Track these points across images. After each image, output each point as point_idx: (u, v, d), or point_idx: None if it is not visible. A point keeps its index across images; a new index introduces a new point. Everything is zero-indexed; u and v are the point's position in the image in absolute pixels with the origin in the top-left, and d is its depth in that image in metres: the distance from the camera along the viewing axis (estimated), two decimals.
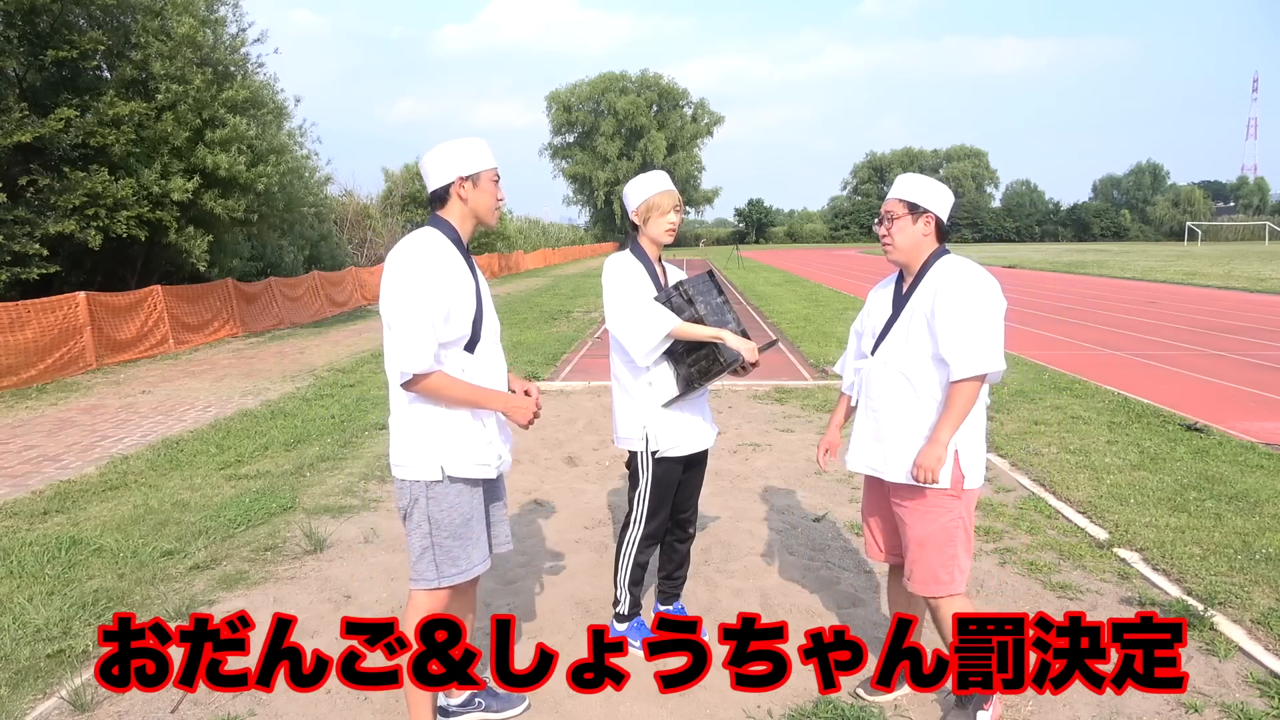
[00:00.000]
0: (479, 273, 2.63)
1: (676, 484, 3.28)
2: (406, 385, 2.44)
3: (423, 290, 2.38)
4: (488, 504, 2.70)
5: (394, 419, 2.56)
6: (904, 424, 2.70)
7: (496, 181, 2.60)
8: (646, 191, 3.16)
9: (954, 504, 2.66)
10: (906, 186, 2.73)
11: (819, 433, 6.98)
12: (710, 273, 3.23)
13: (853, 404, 2.96)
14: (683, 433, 3.19)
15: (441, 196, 2.55)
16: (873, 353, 2.81)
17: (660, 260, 3.28)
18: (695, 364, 3.07)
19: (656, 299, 3.11)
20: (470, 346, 2.53)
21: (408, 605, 2.61)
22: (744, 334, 3.09)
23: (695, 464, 3.33)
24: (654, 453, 3.19)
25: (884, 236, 2.75)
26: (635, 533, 3.29)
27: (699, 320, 3.05)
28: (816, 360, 10.83)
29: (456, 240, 2.55)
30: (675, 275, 3.28)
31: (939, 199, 2.70)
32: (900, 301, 2.75)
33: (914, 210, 2.68)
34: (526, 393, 2.68)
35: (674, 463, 3.22)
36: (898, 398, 2.71)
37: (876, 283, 3.00)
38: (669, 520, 3.41)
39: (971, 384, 2.57)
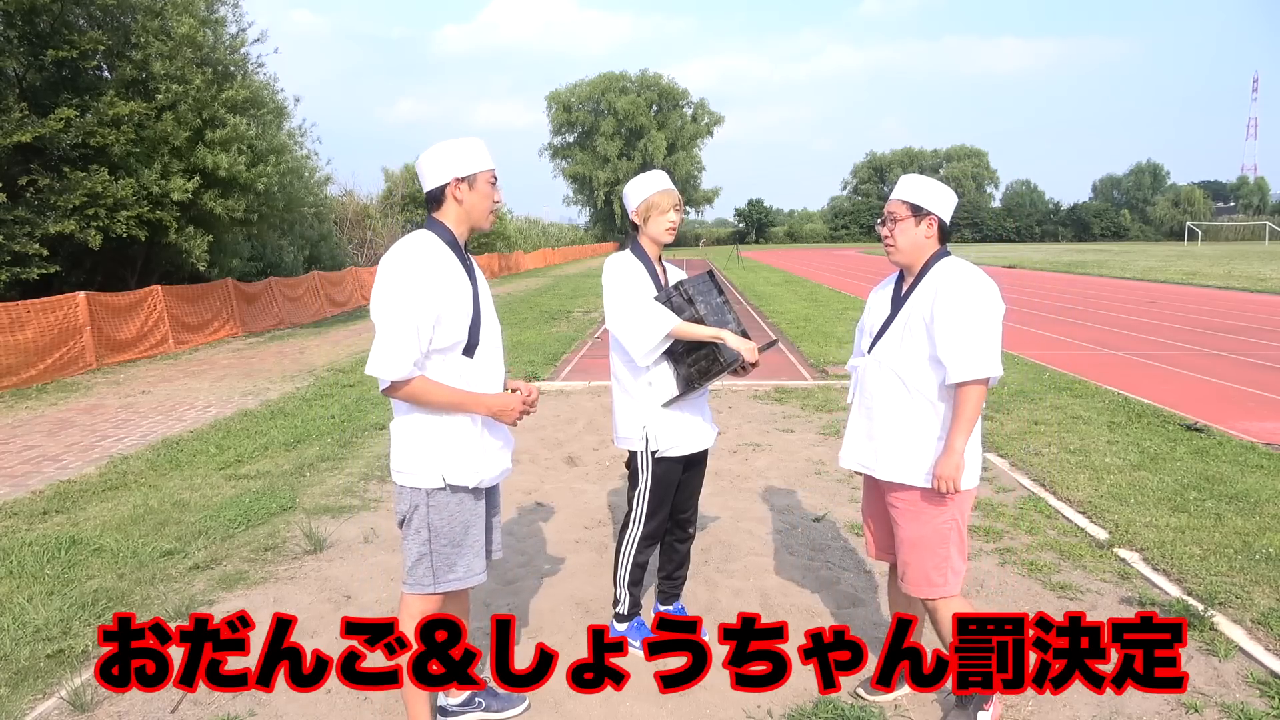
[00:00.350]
0: (478, 276, 2.59)
1: (676, 484, 3.28)
2: (386, 391, 2.41)
3: (408, 297, 2.35)
4: (486, 511, 2.69)
5: (395, 424, 2.55)
6: (897, 423, 2.70)
7: (494, 184, 2.55)
8: (646, 191, 3.16)
9: (948, 506, 2.66)
10: (910, 188, 2.72)
11: (819, 432, 6.98)
12: (710, 273, 3.23)
13: (848, 401, 2.97)
14: (682, 433, 3.19)
15: (437, 198, 2.51)
16: (869, 351, 2.82)
17: (660, 260, 3.28)
18: (695, 364, 3.07)
19: (657, 299, 3.11)
20: (469, 351, 2.50)
21: (401, 608, 2.60)
22: (744, 334, 3.09)
23: (695, 464, 3.33)
24: (654, 452, 3.18)
25: (886, 237, 2.74)
26: (635, 532, 3.29)
27: (699, 320, 3.05)
28: (816, 360, 10.83)
29: (452, 243, 2.50)
30: (675, 275, 3.27)
31: (942, 201, 2.70)
32: (899, 302, 2.75)
33: (917, 212, 2.67)
34: (515, 391, 2.63)
35: (674, 462, 3.22)
36: (891, 397, 2.71)
37: (877, 282, 3.00)
38: (669, 520, 3.41)
39: (976, 388, 2.56)
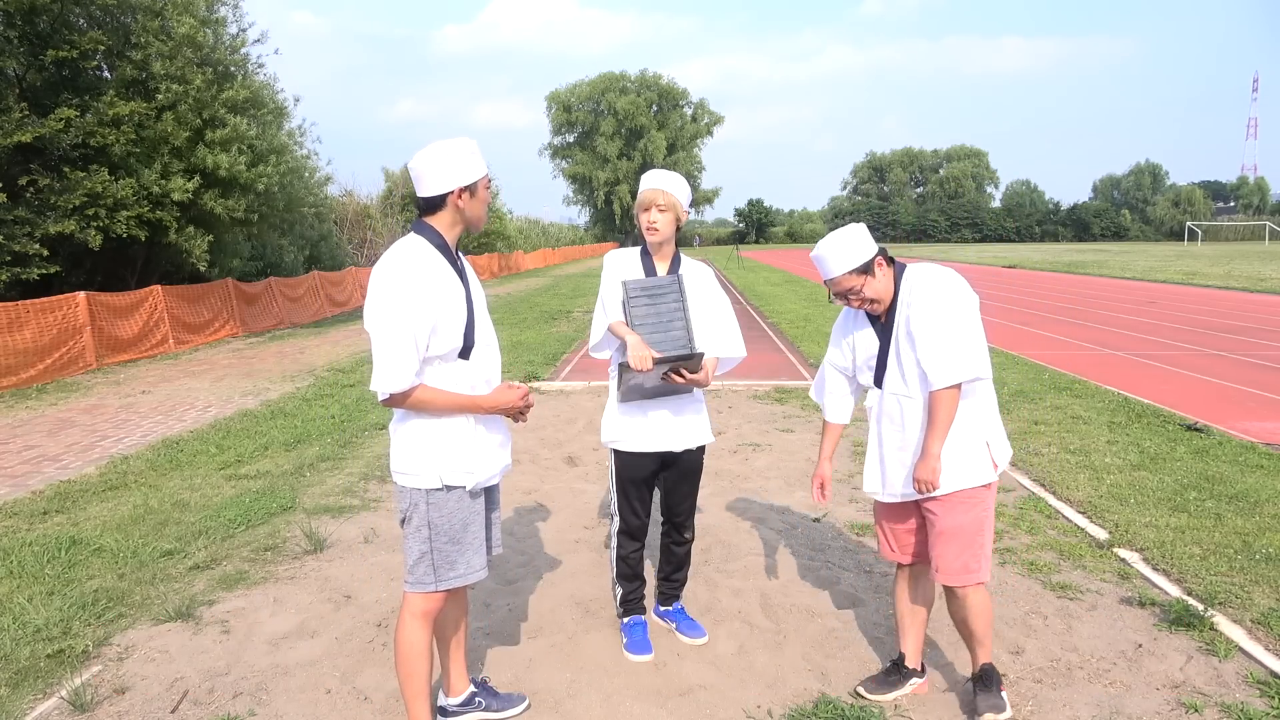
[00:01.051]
0: (469, 277, 2.59)
1: (642, 481, 3.27)
2: (386, 402, 2.41)
3: (405, 308, 2.34)
4: (485, 508, 2.70)
5: (394, 427, 2.55)
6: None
7: (488, 186, 2.58)
8: (640, 189, 3.17)
9: (986, 495, 2.74)
10: (842, 257, 2.69)
11: (819, 433, 6.96)
12: (678, 276, 3.16)
13: (835, 424, 3.07)
14: (628, 429, 3.19)
15: (436, 204, 2.49)
16: (880, 385, 2.83)
17: (675, 256, 3.23)
18: (625, 368, 3.04)
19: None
20: (465, 354, 2.51)
21: (403, 607, 2.60)
22: (686, 347, 3.05)
23: (672, 465, 3.28)
24: (608, 445, 3.26)
25: (861, 306, 2.76)
26: (612, 527, 3.38)
27: (629, 321, 3.06)
28: (816, 360, 10.83)
29: (443, 247, 2.50)
30: (687, 270, 3.24)
31: (868, 242, 2.72)
32: (885, 330, 2.78)
33: (866, 270, 2.69)
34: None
35: (631, 458, 3.23)
36: (920, 422, 2.73)
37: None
38: (665, 524, 3.42)
39: (951, 392, 2.62)
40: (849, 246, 2.70)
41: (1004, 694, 2.83)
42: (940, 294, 2.64)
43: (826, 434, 3.12)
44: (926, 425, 2.68)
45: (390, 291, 2.36)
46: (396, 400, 2.40)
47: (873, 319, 2.83)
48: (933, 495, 2.73)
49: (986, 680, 2.85)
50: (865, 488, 2.97)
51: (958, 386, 2.62)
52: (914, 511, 2.87)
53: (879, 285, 2.71)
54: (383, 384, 2.35)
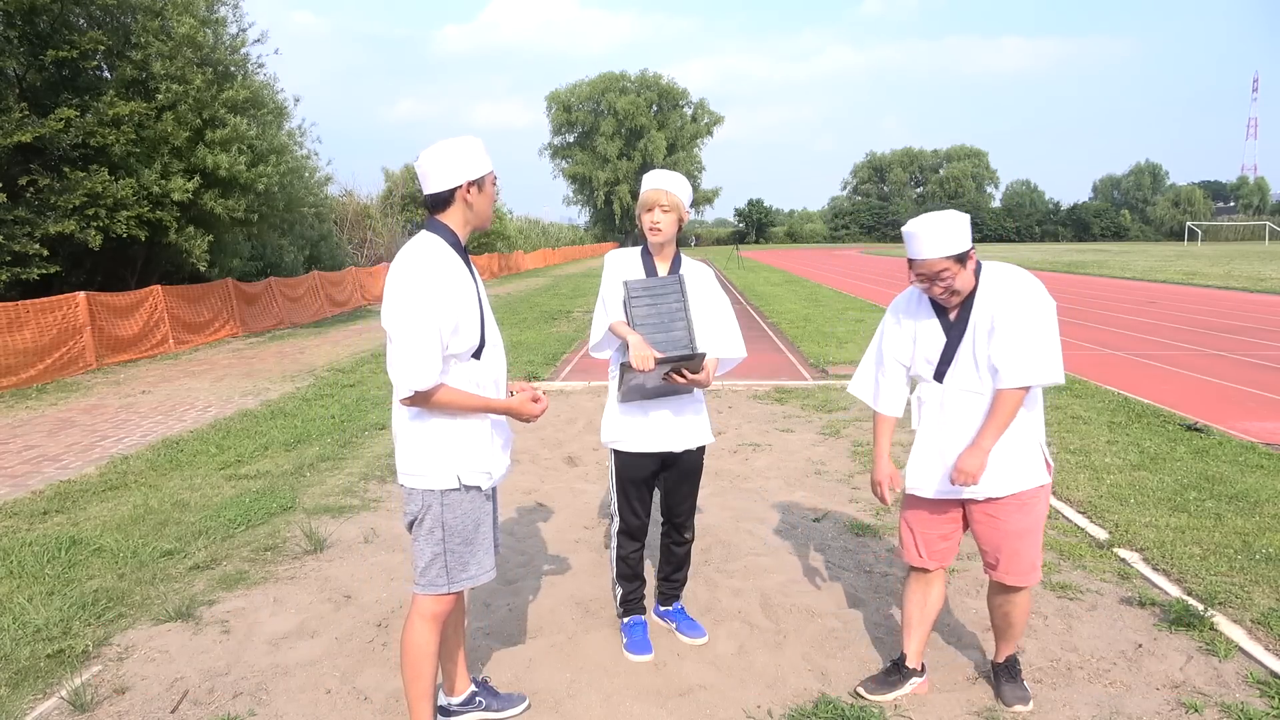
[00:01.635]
0: (478, 276, 2.61)
1: (642, 481, 3.27)
2: (408, 401, 2.39)
3: (430, 305, 2.33)
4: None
5: (403, 428, 2.52)
6: (1003, 441, 2.70)
7: (495, 183, 2.59)
8: (641, 189, 3.17)
9: (1043, 494, 2.77)
10: (941, 241, 2.61)
11: (819, 433, 6.98)
12: (679, 276, 3.15)
13: (912, 426, 2.90)
14: (627, 429, 3.19)
15: (445, 200, 2.49)
16: (941, 380, 2.78)
17: (676, 256, 3.23)
18: (626, 368, 3.03)
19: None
20: (478, 353, 2.51)
21: (412, 609, 2.59)
22: (688, 347, 3.04)
23: (672, 465, 3.28)
24: (609, 445, 3.27)
25: (942, 294, 2.69)
26: (612, 527, 3.39)
27: (630, 321, 3.06)
28: (816, 360, 10.83)
29: (457, 245, 2.51)
30: (688, 270, 3.24)
31: (968, 231, 2.65)
32: (957, 325, 2.73)
33: (961, 259, 2.63)
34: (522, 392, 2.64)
35: (631, 458, 3.23)
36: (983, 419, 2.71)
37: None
38: (665, 524, 3.42)
39: (1019, 393, 2.64)
40: (952, 231, 2.63)
41: (1026, 684, 2.95)
42: (1031, 295, 2.65)
43: (882, 428, 2.95)
44: (985, 419, 2.66)
45: (413, 288, 2.35)
46: (419, 399, 2.39)
47: (938, 311, 2.78)
48: (995, 497, 2.72)
49: (1013, 670, 2.96)
50: (909, 486, 2.89)
51: (1026, 389, 2.62)
52: (957, 513, 2.85)
53: (967, 277, 2.67)
54: (409, 381, 2.33)
